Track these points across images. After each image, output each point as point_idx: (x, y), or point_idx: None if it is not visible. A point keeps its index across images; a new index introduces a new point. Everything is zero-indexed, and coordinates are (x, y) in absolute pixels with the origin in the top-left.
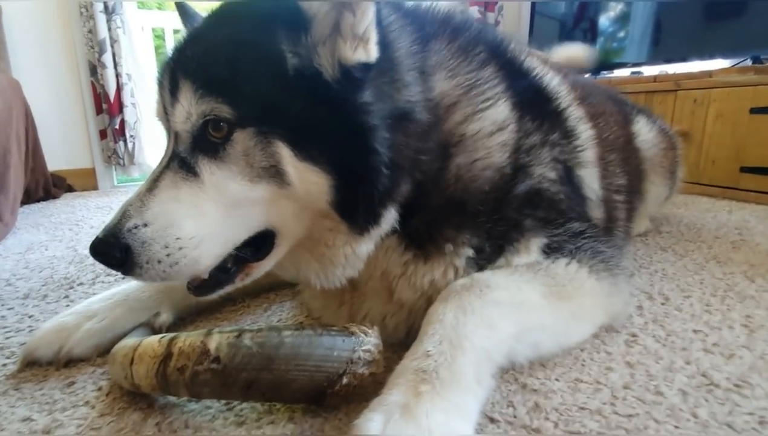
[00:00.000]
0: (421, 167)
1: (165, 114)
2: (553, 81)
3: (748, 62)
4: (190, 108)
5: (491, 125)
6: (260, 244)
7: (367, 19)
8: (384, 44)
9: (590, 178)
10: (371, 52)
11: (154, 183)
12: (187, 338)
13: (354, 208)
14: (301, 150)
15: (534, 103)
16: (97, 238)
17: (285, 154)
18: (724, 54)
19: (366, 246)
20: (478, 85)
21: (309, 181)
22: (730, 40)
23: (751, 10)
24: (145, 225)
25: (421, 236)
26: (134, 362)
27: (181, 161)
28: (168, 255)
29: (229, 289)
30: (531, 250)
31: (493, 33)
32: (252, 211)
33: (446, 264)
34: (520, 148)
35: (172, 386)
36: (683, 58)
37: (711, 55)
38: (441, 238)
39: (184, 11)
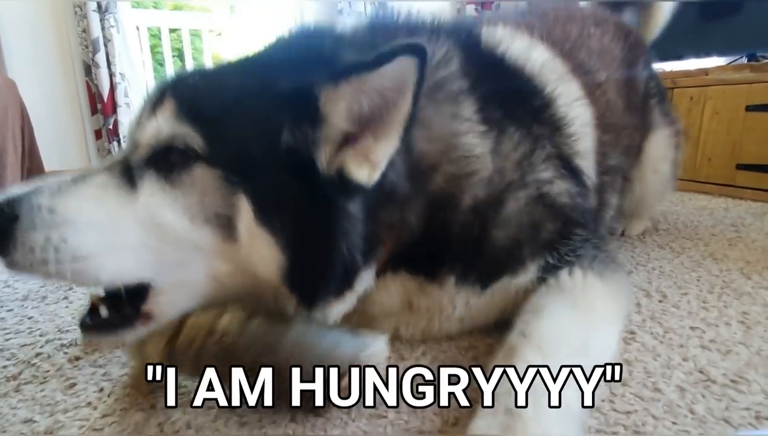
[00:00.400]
0: (403, 233)
1: (136, 126)
2: (537, 61)
3: (744, 60)
4: (163, 125)
5: (471, 163)
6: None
7: (386, 153)
8: None
9: (588, 168)
10: (373, 179)
11: (82, 177)
12: (200, 315)
13: (310, 287)
14: (263, 214)
15: (518, 105)
16: None
17: (244, 209)
18: (721, 52)
19: (342, 306)
20: (456, 134)
21: (258, 249)
22: (725, 37)
23: (746, 8)
24: (50, 211)
25: (421, 272)
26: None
27: (126, 169)
28: (43, 250)
29: (128, 335)
30: (528, 271)
31: (464, 35)
32: (177, 254)
33: (451, 291)
34: (505, 169)
35: (179, 357)
36: (679, 56)
37: (707, 53)
38: (440, 273)
39: None
